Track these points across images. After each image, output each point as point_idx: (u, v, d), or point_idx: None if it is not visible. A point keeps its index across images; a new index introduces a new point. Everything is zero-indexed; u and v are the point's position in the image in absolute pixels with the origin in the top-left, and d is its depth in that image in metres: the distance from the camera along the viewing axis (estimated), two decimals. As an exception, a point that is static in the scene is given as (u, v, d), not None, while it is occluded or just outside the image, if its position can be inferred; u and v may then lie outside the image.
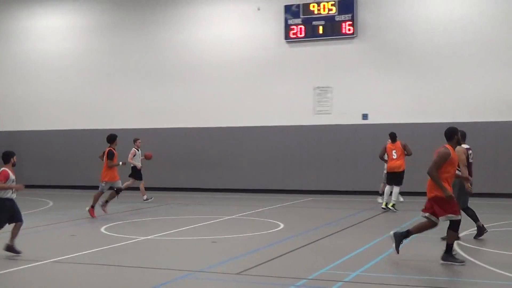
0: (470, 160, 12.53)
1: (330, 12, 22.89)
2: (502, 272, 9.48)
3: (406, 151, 17.64)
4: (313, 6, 23.10)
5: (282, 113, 23.63)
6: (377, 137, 22.28)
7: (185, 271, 9.64)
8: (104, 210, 16.64)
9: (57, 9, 27.23)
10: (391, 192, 17.64)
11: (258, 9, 24.13)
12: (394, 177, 17.50)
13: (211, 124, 24.45)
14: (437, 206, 10.14)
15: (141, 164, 20.14)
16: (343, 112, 22.86)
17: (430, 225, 10.44)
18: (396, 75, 22.32)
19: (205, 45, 24.89)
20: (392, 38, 22.43)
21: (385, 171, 18.33)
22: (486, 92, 21.14)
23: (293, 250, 11.36)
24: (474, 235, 12.44)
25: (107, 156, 16.44)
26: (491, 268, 9.76)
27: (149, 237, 13.00)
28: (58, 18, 27.24)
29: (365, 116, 22.67)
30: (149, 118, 25.36)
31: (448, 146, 10.43)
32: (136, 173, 20.15)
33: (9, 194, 10.85)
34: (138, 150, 20.25)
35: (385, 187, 17.97)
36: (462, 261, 10.09)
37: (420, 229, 10.58)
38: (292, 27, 23.42)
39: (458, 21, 21.60)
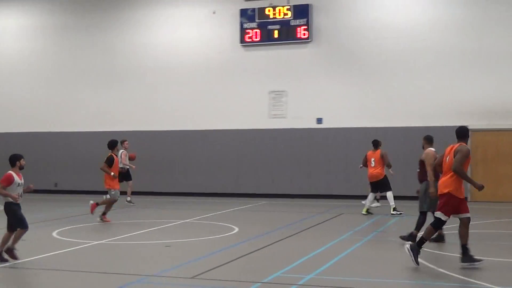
0: None
1: (285, 16, 22.99)
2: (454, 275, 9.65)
3: (384, 161, 17.64)
4: (269, 11, 23.18)
5: (237, 116, 23.61)
6: (331, 141, 22.51)
7: (138, 276, 9.53)
8: (105, 220, 16.14)
9: (9, 9, 26.71)
10: (378, 200, 18.28)
11: (214, 12, 24.09)
12: (377, 186, 17.61)
13: (166, 127, 24.27)
14: (442, 201, 10.26)
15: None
16: (298, 116, 22.97)
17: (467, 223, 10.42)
18: (350, 80, 22.54)
19: (160, 48, 24.73)
20: (347, 43, 22.64)
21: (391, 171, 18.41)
22: (437, 98, 21.49)
23: (248, 254, 11.34)
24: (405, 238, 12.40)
25: (106, 161, 16.22)
26: (447, 272, 9.92)
27: (101, 241, 12.81)
28: (11, 19, 26.72)
29: (319, 120, 22.82)
30: (102, 120, 25.05)
31: (464, 144, 10.51)
32: (124, 175, 19.97)
33: (8, 199, 10.58)
34: (126, 151, 20.19)
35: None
36: (480, 260, 10.11)
37: (432, 232, 10.50)
38: (247, 31, 23.45)
39: (410, 27, 21.92)
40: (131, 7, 25.12)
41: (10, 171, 10.63)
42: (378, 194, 18.40)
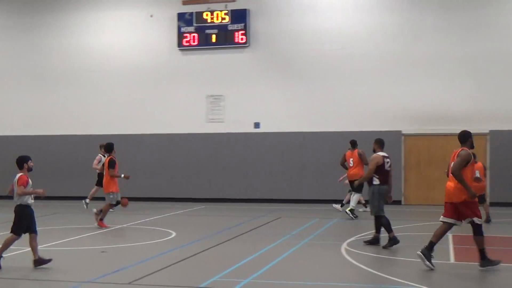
0: (388, 168, 12.75)
1: (223, 21, 23.05)
2: (394, 278, 9.86)
3: (362, 160, 17.82)
4: (206, 15, 23.18)
5: (174, 121, 23.50)
6: (268, 146, 22.66)
7: (74, 282, 9.39)
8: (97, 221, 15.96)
9: None
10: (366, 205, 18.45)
11: (151, 16, 23.93)
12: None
13: (103, 131, 23.89)
14: (467, 209, 10.23)
15: None
16: (236, 120, 23.04)
17: (449, 229, 10.60)
18: (288, 84, 22.74)
19: (97, 51, 24.40)
20: (284, 48, 22.85)
21: (346, 180, 18.58)
22: (372, 103, 21.90)
23: (185, 259, 11.31)
24: (384, 244, 12.53)
25: (109, 165, 16.01)
26: (380, 274, 10.13)
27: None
28: None
29: (257, 125, 22.94)
30: (37, 124, 24.53)
31: (466, 148, 10.51)
32: (99, 179, 19.62)
33: (30, 201, 10.47)
34: (104, 156, 19.62)
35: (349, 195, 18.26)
36: (499, 262, 10.31)
37: (441, 235, 10.57)
38: (185, 35, 23.39)
39: (346, 33, 22.28)
40: (67, 9, 24.67)
41: (23, 173, 10.49)
42: (362, 199, 18.66)
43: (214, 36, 23.16)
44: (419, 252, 10.37)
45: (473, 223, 10.28)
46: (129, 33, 24.18)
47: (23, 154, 10.97)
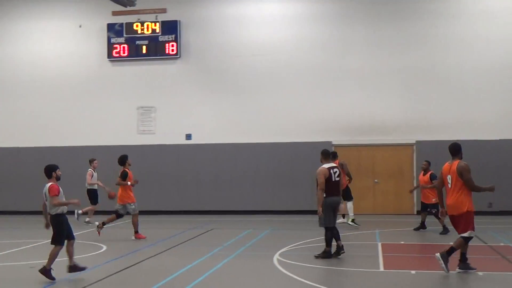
0: (336, 179, 12.58)
1: (154, 32, 22.93)
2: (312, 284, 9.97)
3: (343, 171, 17.77)
4: (137, 26, 23.01)
5: (105, 132, 23.17)
6: (200, 157, 22.60)
7: (0, 300, 9.10)
8: (98, 232, 15.85)
9: None
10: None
11: (80, 26, 23.57)
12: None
13: (30, 143, 23.36)
14: (463, 221, 10.59)
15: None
16: (167, 132, 22.90)
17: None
18: (219, 96, 22.78)
19: (26, 61, 23.86)
20: (216, 60, 22.89)
21: None
22: (303, 114, 22.15)
23: (116, 273, 11.14)
24: (333, 252, 12.50)
25: (122, 176, 16.10)
26: (312, 284, 10.24)
27: (-41, 265, 12.12)
28: None
29: (188, 136, 22.87)
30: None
31: (460, 160, 10.89)
32: (93, 197, 19.51)
33: (64, 209, 10.61)
34: (94, 172, 19.45)
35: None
36: (474, 268, 10.84)
37: (464, 246, 10.87)
38: (115, 46, 23.14)
39: (277, 45, 22.51)
40: (-8, 18, 24.05)
41: (52, 183, 10.54)
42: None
43: (144, 47, 23.00)
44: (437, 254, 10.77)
45: (462, 239, 10.71)
46: (58, 43, 23.76)
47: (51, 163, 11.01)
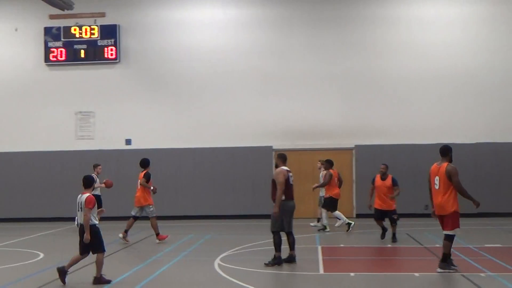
0: (292, 183, 12.45)
1: (92, 36, 22.60)
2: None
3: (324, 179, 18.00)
4: (75, 30, 22.63)
5: (42, 138, 22.68)
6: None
7: None
8: (126, 240, 16.02)
9: None
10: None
11: (16, 30, 23.04)
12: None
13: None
14: (450, 220, 10.98)
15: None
16: (106, 137, 22.59)
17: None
18: (160, 101, 22.61)
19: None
20: (156, 64, 22.71)
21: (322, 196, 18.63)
22: (244, 119, 22.20)
23: (53, 281, 10.90)
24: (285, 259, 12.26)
25: (146, 177, 16.19)
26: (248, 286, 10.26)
27: None
28: None
29: (128, 141, 22.61)
30: None
31: (449, 163, 11.24)
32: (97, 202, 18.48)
33: (96, 221, 10.60)
34: (97, 177, 18.87)
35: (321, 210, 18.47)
36: (456, 266, 11.14)
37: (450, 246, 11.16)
38: (52, 49, 22.71)
39: (217, 51, 22.47)
40: None
41: (90, 194, 10.58)
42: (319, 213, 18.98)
43: (83, 52, 22.65)
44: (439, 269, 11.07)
45: (447, 236, 11.11)
46: (-8, 46, 23.16)
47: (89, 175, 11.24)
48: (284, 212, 12.16)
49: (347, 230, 17.48)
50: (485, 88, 21.68)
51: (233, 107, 22.33)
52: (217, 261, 12.68)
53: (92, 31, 22.61)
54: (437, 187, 11.19)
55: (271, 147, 22.01)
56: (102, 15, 22.79)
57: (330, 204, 17.79)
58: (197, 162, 22.28)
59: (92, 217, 10.49)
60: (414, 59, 21.96)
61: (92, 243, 10.48)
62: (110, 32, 22.59)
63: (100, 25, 22.63)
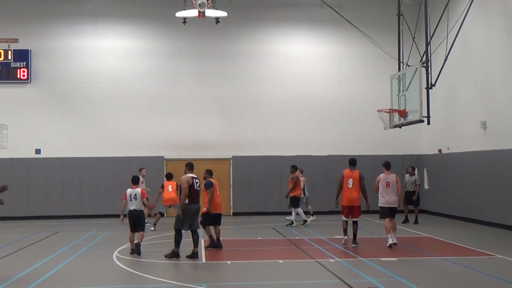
0: (197, 188, 11.99)
1: (6, 58, 21.40)
2: (155, 278, 9.82)
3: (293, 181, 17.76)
4: (-10, 52, 21.31)
5: (-43, 147, 21.12)
6: (49, 169, 21.40)
7: None
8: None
9: None
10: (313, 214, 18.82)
11: None
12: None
13: None
14: (359, 210, 13.23)
15: None
16: (17, 147, 21.41)
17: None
18: (66, 116, 21.74)
19: None
20: (63, 84, 21.81)
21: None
22: (140, 133, 21.79)
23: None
24: (187, 255, 11.73)
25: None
26: (148, 276, 10.05)
27: None
28: None
29: (38, 151, 21.55)
30: None
31: (358, 170, 13.34)
32: None
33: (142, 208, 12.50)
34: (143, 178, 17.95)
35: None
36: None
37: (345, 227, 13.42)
38: (-32, 69, 21.23)
39: (118, 74, 21.93)
40: None
41: (140, 188, 12.71)
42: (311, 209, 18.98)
43: (-3, 72, 21.36)
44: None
45: (356, 222, 13.24)
46: None
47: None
48: (186, 213, 11.71)
49: (302, 225, 17.60)
50: (334, 110, 22.52)
51: (131, 123, 21.88)
52: (116, 254, 12.33)
53: (6, 54, 21.42)
54: (350, 186, 13.07)
55: (162, 157, 21.75)
56: (15, 40, 21.62)
57: (294, 202, 17.79)
58: (98, 170, 21.61)
59: (141, 205, 12.36)
60: (279, 86, 22.48)
61: (140, 224, 12.39)
62: (22, 55, 21.46)
63: (13, 49, 21.47)
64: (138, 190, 12.46)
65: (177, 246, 11.78)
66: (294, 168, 18.23)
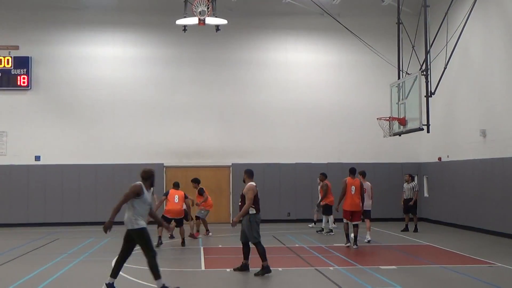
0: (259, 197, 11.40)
1: (6, 66, 21.45)
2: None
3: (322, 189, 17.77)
4: (-9, 59, 21.37)
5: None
6: (49, 176, 21.40)
7: None
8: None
9: None
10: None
11: None
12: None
13: None
14: (360, 215, 14.53)
15: None
16: (17, 154, 21.42)
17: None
18: (66, 123, 21.76)
19: None
20: (63, 91, 21.85)
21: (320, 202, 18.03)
22: (140, 140, 21.81)
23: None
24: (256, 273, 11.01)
25: (199, 193, 17.71)
26: (147, 284, 10.03)
27: None
28: None
29: (37, 158, 21.56)
30: None
31: (357, 177, 14.86)
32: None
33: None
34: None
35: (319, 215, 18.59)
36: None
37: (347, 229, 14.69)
38: (-32, 76, 21.27)
39: (118, 82, 21.96)
40: None
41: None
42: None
43: (-3, 79, 21.41)
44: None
45: (357, 225, 14.44)
46: None
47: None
48: (256, 224, 10.95)
49: (326, 233, 17.49)
50: (334, 118, 22.56)
51: (130, 130, 21.90)
52: (114, 261, 12.28)
53: (6, 61, 21.48)
54: (353, 192, 14.29)
55: (162, 164, 21.76)
56: (16, 48, 21.68)
57: (327, 210, 17.61)
58: (97, 176, 21.60)
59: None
60: (278, 94, 22.50)
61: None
62: (23, 62, 21.52)
63: (14, 56, 21.52)
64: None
65: (266, 259, 10.95)
66: (323, 175, 17.92)
